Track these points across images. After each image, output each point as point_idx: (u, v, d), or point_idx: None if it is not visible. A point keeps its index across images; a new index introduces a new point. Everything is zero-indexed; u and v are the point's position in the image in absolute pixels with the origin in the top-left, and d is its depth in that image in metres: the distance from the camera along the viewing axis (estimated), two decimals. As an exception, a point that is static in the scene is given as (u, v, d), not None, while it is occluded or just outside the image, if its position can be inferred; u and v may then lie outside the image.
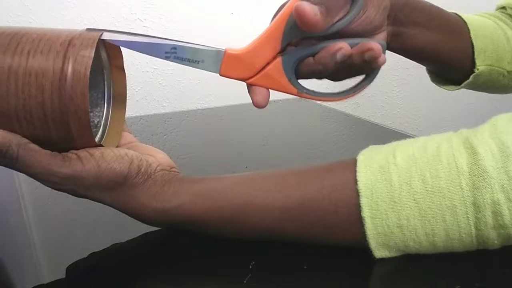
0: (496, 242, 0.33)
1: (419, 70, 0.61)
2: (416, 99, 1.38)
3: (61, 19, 0.97)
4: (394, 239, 0.34)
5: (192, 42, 0.39)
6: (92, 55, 0.35)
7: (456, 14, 0.55)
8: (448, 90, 0.58)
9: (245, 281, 0.35)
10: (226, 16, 1.12)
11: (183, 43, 0.39)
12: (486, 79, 0.56)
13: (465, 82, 0.55)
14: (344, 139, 0.75)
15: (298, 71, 0.40)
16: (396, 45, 0.49)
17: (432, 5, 0.52)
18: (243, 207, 0.37)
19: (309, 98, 0.41)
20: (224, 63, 0.39)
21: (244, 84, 0.41)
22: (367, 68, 0.40)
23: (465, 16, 0.55)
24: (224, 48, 0.39)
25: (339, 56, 0.38)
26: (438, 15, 0.53)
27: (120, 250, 0.40)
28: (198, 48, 0.39)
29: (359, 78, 0.41)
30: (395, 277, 0.35)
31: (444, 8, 0.54)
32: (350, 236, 0.36)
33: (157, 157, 0.40)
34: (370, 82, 0.40)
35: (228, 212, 0.37)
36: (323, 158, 0.65)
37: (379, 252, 0.35)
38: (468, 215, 0.32)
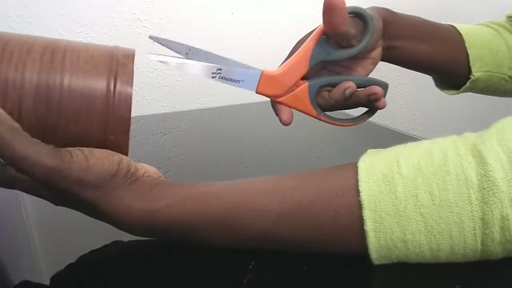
0: (500, 255, 0.33)
1: (419, 70, 0.61)
2: (416, 99, 1.38)
3: (61, 19, 0.97)
4: (397, 253, 0.33)
5: (232, 60, 0.45)
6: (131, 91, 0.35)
7: (451, 25, 0.57)
8: (449, 94, 0.61)
9: (245, 281, 0.35)
10: (226, 16, 1.12)
11: (226, 63, 0.45)
12: (487, 84, 0.58)
13: (463, 87, 0.58)
14: (344, 139, 0.74)
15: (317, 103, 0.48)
16: (389, 58, 0.53)
17: (422, 19, 0.55)
18: (236, 209, 0.36)
19: (323, 121, 0.48)
20: (260, 82, 0.45)
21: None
22: (369, 105, 0.48)
23: (460, 26, 0.57)
24: (261, 68, 0.45)
25: (347, 92, 0.45)
26: (429, 27, 0.55)
27: (120, 249, 0.40)
28: (240, 70, 0.45)
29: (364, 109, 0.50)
30: (395, 277, 0.35)
31: (457, 16, 0.56)
32: (349, 245, 0.35)
33: (143, 165, 0.39)
34: (371, 116, 0.49)
35: (220, 214, 0.36)
36: (323, 158, 0.65)
37: (379, 262, 0.34)
38: (475, 231, 0.31)
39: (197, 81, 1.11)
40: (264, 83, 0.45)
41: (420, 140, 0.37)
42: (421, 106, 1.40)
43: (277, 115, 0.47)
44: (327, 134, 0.75)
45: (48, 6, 0.95)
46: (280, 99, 0.46)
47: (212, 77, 0.44)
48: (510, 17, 0.63)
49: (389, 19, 0.50)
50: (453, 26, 0.57)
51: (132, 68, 0.36)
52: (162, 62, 0.44)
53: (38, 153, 0.33)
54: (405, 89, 1.38)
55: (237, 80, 0.45)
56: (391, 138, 0.75)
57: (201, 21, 1.09)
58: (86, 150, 0.35)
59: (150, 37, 0.45)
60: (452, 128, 1.42)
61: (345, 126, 0.49)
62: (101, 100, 0.34)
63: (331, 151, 0.68)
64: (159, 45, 0.45)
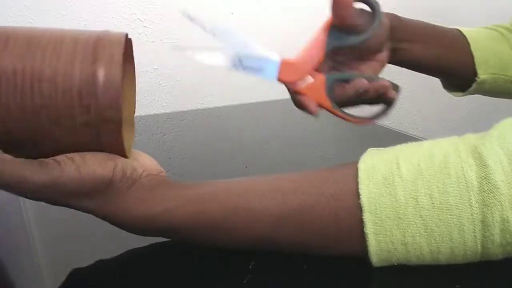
0: (500, 256, 0.33)
1: (419, 70, 0.61)
2: (416, 99, 1.38)
3: (61, 19, 0.97)
4: (397, 255, 0.33)
5: (251, 50, 0.45)
6: (121, 59, 0.33)
7: (457, 29, 0.58)
8: (456, 96, 0.61)
9: (245, 281, 0.35)
10: (226, 16, 1.12)
11: (246, 54, 0.44)
12: (492, 86, 0.58)
13: (469, 89, 0.58)
14: (344, 139, 0.74)
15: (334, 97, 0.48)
16: (396, 60, 0.53)
17: (427, 23, 0.55)
18: (236, 211, 0.35)
19: (337, 115, 0.47)
20: (281, 70, 0.45)
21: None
22: (380, 99, 0.47)
23: (466, 30, 0.58)
24: (279, 57, 0.46)
25: (361, 88, 0.45)
26: (435, 31, 0.56)
27: (119, 249, 0.40)
28: (260, 59, 0.45)
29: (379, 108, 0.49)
30: (395, 276, 0.35)
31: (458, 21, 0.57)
32: (349, 248, 0.35)
33: (142, 161, 0.38)
34: (387, 112, 0.48)
35: (220, 217, 0.35)
36: (323, 158, 0.65)
37: (379, 264, 0.34)
38: (475, 233, 0.31)
39: (197, 81, 1.11)
40: (284, 70, 0.45)
41: (420, 140, 0.37)
42: (421, 106, 1.40)
43: (303, 108, 0.46)
44: (327, 134, 0.75)
45: (48, 6, 0.95)
46: (299, 88, 0.46)
47: (234, 68, 0.44)
48: None
49: (395, 23, 0.51)
50: (458, 29, 0.58)
51: (119, 52, 0.34)
52: (184, 53, 0.43)
53: (24, 172, 0.31)
54: (405, 89, 1.37)
55: (257, 70, 0.45)
56: (391, 138, 0.75)
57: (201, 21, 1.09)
58: (78, 158, 0.34)
59: (182, 13, 0.45)
60: (452, 128, 1.42)
61: (359, 123, 0.48)
62: (87, 89, 0.33)
63: (331, 151, 0.68)
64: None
